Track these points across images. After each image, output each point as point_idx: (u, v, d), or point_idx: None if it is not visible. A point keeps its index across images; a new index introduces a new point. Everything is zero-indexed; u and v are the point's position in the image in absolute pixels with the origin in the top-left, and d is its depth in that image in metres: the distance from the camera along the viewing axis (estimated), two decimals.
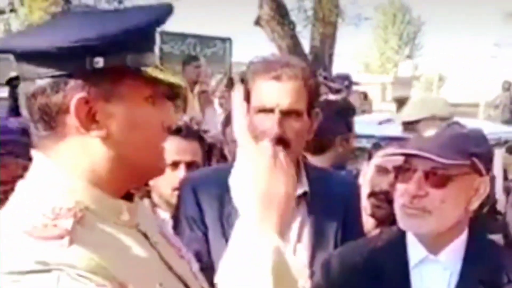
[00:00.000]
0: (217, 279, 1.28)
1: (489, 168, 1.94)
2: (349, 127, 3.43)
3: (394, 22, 42.53)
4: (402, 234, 1.98)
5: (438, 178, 1.85)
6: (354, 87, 8.43)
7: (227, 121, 3.41)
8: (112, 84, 1.25)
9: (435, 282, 1.92)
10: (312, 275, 2.10)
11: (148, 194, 2.65)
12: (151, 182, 2.56)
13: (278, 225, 1.29)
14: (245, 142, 1.38)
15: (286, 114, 2.11)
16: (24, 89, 1.27)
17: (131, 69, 1.26)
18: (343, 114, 3.42)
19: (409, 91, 19.39)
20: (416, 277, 1.92)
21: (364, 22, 16.14)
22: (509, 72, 20.19)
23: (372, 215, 2.68)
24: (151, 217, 1.52)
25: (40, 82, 1.24)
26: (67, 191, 1.25)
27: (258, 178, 1.32)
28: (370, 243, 2.08)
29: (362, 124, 3.95)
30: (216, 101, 6.89)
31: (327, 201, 2.22)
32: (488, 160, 1.93)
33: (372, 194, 2.68)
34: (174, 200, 2.45)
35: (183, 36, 10.79)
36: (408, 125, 4.02)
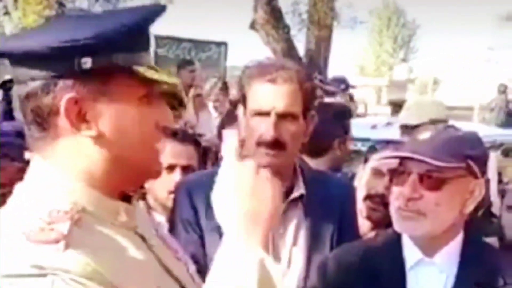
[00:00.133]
0: None
1: (484, 171, 1.94)
2: (346, 130, 3.44)
3: (389, 26, 42.65)
4: (397, 237, 1.98)
5: (433, 181, 1.86)
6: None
7: (224, 124, 3.41)
8: (103, 84, 1.25)
9: (431, 284, 1.92)
10: (307, 277, 2.11)
11: (143, 197, 2.65)
12: (146, 185, 2.57)
13: (263, 239, 1.29)
14: (230, 160, 1.38)
15: (282, 117, 2.11)
16: (18, 91, 1.27)
17: (122, 69, 1.25)
18: (340, 117, 3.43)
19: (404, 94, 19.43)
20: (412, 279, 1.93)
21: (359, 26, 16.19)
22: (503, 75, 20.26)
23: (368, 218, 2.69)
24: (147, 220, 1.51)
25: (32, 84, 1.24)
26: (64, 193, 1.25)
27: (242, 196, 1.32)
28: (366, 245, 2.09)
29: (356, 127, 3.96)
30: (210, 105, 6.87)
31: (323, 204, 2.22)
32: (483, 163, 1.94)
33: (368, 197, 2.69)
34: (169, 203, 2.45)
35: (178, 40, 10.80)
36: (406, 129, 4.03)
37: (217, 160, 3.44)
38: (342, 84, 7.99)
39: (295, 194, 2.20)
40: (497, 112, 15.11)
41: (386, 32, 42.61)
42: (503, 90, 15.84)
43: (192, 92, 7.05)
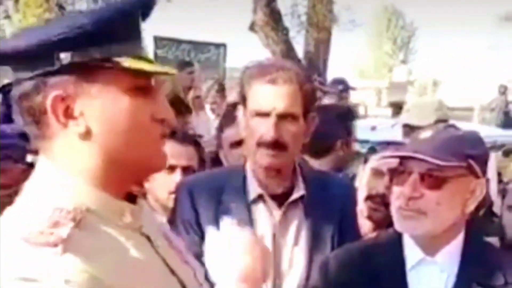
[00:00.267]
0: None
1: (485, 171, 1.94)
2: (349, 131, 3.44)
3: (388, 28, 42.66)
4: (398, 236, 1.98)
5: (434, 180, 1.85)
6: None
7: (223, 126, 3.41)
8: (89, 79, 1.24)
9: (432, 284, 1.92)
10: (309, 277, 2.11)
11: (144, 198, 2.65)
12: (146, 185, 2.57)
13: None
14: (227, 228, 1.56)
15: (282, 117, 2.11)
16: (13, 93, 1.28)
17: (106, 61, 1.24)
18: (342, 118, 3.44)
19: (404, 96, 19.43)
20: (413, 279, 1.92)
21: (358, 28, 16.17)
22: (503, 76, 20.27)
23: (369, 218, 2.68)
24: (154, 220, 1.50)
25: (25, 85, 1.25)
26: (68, 192, 1.24)
27: (238, 259, 1.47)
28: (367, 245, 2.09)
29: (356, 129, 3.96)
30: (207, 107, 6.80)
31: (324, 204, 2.22)
32: (484, 162, 1.94)
33: (368, 197, 2.69)
34: (170, 204, 2.45)
35: (178, 42, 10.78)
36: (409, 129, 4.03)
37: (217, 162, 3.43)
38: (341, 85, 7.98)
39: (296, 195, 2.20)
40: (497, 112, 15.13)
41: (385, 34, 42.65)
42: (503, 91, 15.87)
43: (191, 94, 7.03)
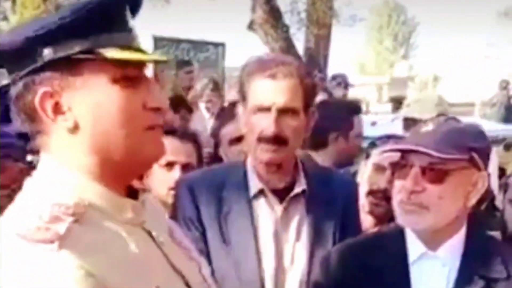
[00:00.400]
0: None
1: (487, 164, 1.93)
2: (347, 125, 3.42)
3: (389, 23, 42.64)
4: (401, 231, 1.97)
5: (435, 174, 1.84)
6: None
7: (222, 123, 3.41)
8: (74, 72, 1.24)
9: (434, 278, 1.92)
10: (311, 272, 2.11)
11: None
12: (146, 182, 2.56)
13: None
14: None
15: (283, 112, 2.11)
16: (11, 94, 1.28)
17: (89, 54, 1.23)
18: (339, 111, 3.43)
19: (405, 91, 19.43)
20: (415, 273, 1.92)
21: (359, 24, 16.15)
22: (503, 71, 20.25)
23: (371, 213, 2.68)
24: (161, 216, 1.49)
25: (18, 85, 1.26)
26: (68, 188, 1.24)
27: None
28: (369, 239, 2.09)
29: None
30: (202, 106, 6.74)
31: (325, 199, 2.21)
32: (486, 155, 1.92)
33: (370, 192, 2.68)
34: (170, 200, 2.45)
35: (177, 41, 10.76)
36: (410, 122, 4.02)
37: (216, 158, 3.42)
38: (339, 79, 8.00)
39: (297, 190, 2.19)
40: (498, 107, 15.11)
41: (386, 30, 42.63)
42: (504, 86, 15.84)
43: (191, 93, 7.01)
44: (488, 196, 2.27)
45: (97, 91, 1.24)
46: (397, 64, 36.13)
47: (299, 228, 2.17)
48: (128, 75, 1.26)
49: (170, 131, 2.56)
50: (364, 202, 2.63)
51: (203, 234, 2.14)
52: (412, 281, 1.91)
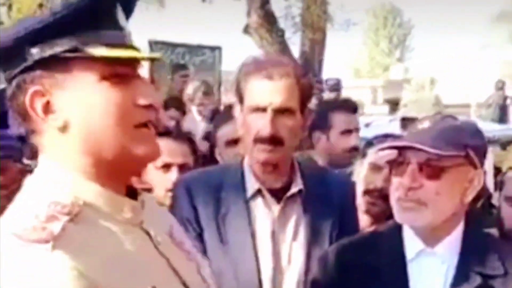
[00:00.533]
0: None
1: (483, 161, 1.94)
2: (323, 123, 3.43)
3: (385, 25, 42.69)
4: (398, 229, 1.98)
5: (432, 170, 1.85)
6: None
7: (218, 125, 3.41)
8: (63, 71, 1.24)
9: (432, 275, 1.92)
10: (308, 272, 2.11)
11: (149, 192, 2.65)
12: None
13: None
14: None
15: (279, 112, 2.11)
16: (8, 95, 1.29)
17: (78, 52, 1.23)
18: (316, 110, 3.41)
19: (400, 93, 19.47)
20: (413, 270, 1.92)
21: (353, 27, 16.17)
22: (497, 73, 20.31)
23: (367, 212, 2.68)
24: (162, 216, 1.48)
25: (12, 85, 1.26)
26: (66, 187, 1.24)
27: None
28: (367, 237, 2.09)
29: None
30: (194, 109, 6.69)
31: (322, 199, 2.22)
32: (482, 153, 1.94)
33: (366, 192, 2.69)
34: (168, 202, 2.45)
35: (172, 45, 10.77)
36: (408, 122, 4.03)
37: (212, 160, 3.42)
38: (331, 82, 8.03)
39: (293, 189, 2.20)
40: (494, 108, 15.17)
41: (382, 32, 42.68)
42: (501, 86, 15.91)
43: (184, 96, 6.98)
44: (484, 193, 2.28)
45: (86, 89, 1.24)
46: (392, 66, 36.19)
47: (296, 228, 2.18)
48: (118, 72, 1.25)
49: (165, 133, 2.56)
50: (360, 202, 2.63)
51: (201, 234, 2.14)
52: (410, 278, 1.92)
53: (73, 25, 1.23)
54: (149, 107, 1.28)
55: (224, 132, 3.27)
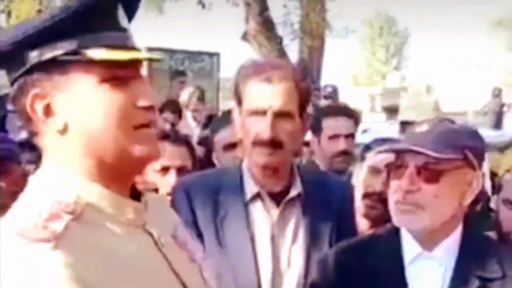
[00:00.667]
0: None
1: (481, 163, 1.95)
2: (314, 128, 3.45)
3: (381, 35, 42.80)
4: (396, 232, 1.98)
5: (431, 173, 1.85)
6: None
7: (216, 128, 3.41)
8: (63, 73, 1.24)
9: (430, 278, 1.92)
10: (308, 275, 2.11)
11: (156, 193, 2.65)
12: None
13: None
14: None
15: (279, 115, 2.11)
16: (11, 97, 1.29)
17: (77, 55, 1.23)
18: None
19: (398, 101, 19.52)
20: (411, 273, 1.92)
21: (351, 35, 16.22)
22: (495, 80, 20.35)
23: (366, 216, 2.69)
24: (166, 217, 1.47)
25: (14, 88, 1.27)
26: (69, 188, 1.24)
27: None
28: (365, 241, 2.09)
29: None
30: (189, 115, 6.65)
31: (321, 202, 2.22)
32: (480, 155, 1.94)
33: (365, 195, 2.69)
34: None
35: (171, 52, 10.80)
36: (407, 126, 4.04)
37: (209, 164, 3.42)
38: (328, 88, 8.06)
39: (293, 193, 2.20)
40: (490, 115, 15.22)
41: (378, 41, 42.79)
42: (497, 93, 15.96)
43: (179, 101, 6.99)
44: (483, 196, 2.29)
45: (85, 92, 1.24)
46: (389, 75, 36.26)
47: (295, 231, 2.18)
48: (117, 75, 1.25)
49: (163, 136, 2.55)
50: (359, 205, 2.64)
51: (199, 237, 2.13)
52: (409, 281, 1.92)
53: (73, 28, 1.23)
54: (149, 108, 1.28)
55: (222, 136, 3.27)
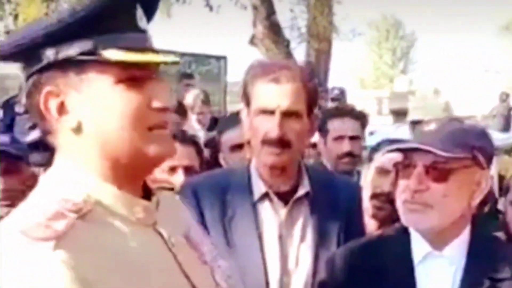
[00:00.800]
0: None
1: (489, 163, 1.94)
2: (321, 129, 3.47)
3: (387, 38, 42.77)
4: (405, 231, 1.97)
5: (439, 172, 1.85)
6: None
7: (223, 129, 3.42)
8: (79, 72, 1.23)
9: (440, 277, 1.91)
10: (316, 273, 2.11)
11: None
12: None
13: None
14: None
15: (287, 115, 2.11)
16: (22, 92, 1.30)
17: (94, 55, 1.22)
18: None
19: (406, 104, 19.49)
20: (421, 273, 1.91)
21: (358, 38, 16.22)
22: (503, 84, 20.31)
23: (374, 217, 2.68)
24: (180, 216, 1.46)
25: (28, 84, 1.27)
26: (79, 186, 1.24)
27: None
28: (374, 241, 2.08)
29: None
30: (193, 118, 6.64)
31: (329, 202, 2.22)
32: (489, 155, 1.93)
33: (373, 196, 2.69)
34: None
35: (179, 55, 10.84)
36: (416, 126, 4.04)
37: (216, 164, 3.41)
38: (336, 91, 8.06)
39: (301, 192, 2.20)
40: (498, 118, 15.20)
41: (385, 44, 42.76)
42: (504, 98, 15.95)
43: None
44: (491, 198, 2.28)
45: (100, 92, 1.23)
46: (396, 78, 36.22)
47: (303, 231, 2.18)
48: (134, 75, 1.24)
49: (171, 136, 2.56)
50: (367, 206, 2.64)
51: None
52: (418, 281, 1.91)
53: (88, 28, 1.22)
54: (164, 109, 1.27)
55: (229, 137, 3.27)
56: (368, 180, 2.72)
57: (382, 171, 2.65)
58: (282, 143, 2.11)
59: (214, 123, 5.63)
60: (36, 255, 1.11)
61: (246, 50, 13.35)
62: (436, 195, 1.85)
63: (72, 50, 1.22)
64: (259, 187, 2.20)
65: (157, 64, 1.31)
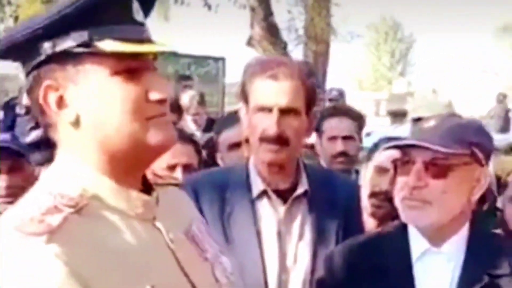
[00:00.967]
0: None
1: (488, 159, 1.94)
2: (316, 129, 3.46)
3: (386, 40, 42.78)
4: (403, 228, 1.97)
5: (438, 169, 1.84)
6: None
7: (221, 128, 3.41)
8: (75, 65, 1.23)
9: (438, 274, 1.91)
10: (314, 271, 2.11)
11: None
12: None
13: None
14: None
15: (285, 112, 2.11)
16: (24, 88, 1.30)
17: (90, 47, 1.22)
18: None
19: (404, 106, 19.53)
20: (419, 270, 1.91)
21: (357, 40, 16.21)
22: (501, 85, 20.34)
23: (373, 215, 2.68)
24: (182, 212, 1.45)
25: (29, 79, 1.27)
26: (77, 181, 1.23)
27: None
28: (372, 238, 2.08)
29: None
30: (189, 119, 6.64)
31: (327, 200, 2.22)
32: (488, 151, 1.93)
33: (372, 195, 2.69)
34: None
35: (177, 56, 10.83)
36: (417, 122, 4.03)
37: (214, 164, 3.41)
38: (334, 92, 8.06)
39: (299, 190, 2.20)
40: (495, 119, 15.22)
41: (383, 46, 42.77)
42: (501, 99, 15.96)
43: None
44: (490, 195, 2.28)
45: (97, 84, 1.23)
46: (395, 80, 36.22)
47: (302, 228, 2.18)
48: (130, 67, 1.24)
49: None
50: (366, 204, 2.64)
51: None
52: (417, 278, 1.90)
53: (83, 20, 1.22)
54: (161, 101, 1.27)
55: (227, 136, 3.27)
56: (366, 179, 2.72)
57: (381, 170, 2.65)
58: (280, 140, 2.11)
59: (210, 124, 5.63)
60: (30, 250, 1.11)
61: (244, 51, 13.36)
62: (435, 191, 1.84)
63: (68, 42, 1.22)
64: (257, 185, 2.20)
65: (154, 54, 1.31)
